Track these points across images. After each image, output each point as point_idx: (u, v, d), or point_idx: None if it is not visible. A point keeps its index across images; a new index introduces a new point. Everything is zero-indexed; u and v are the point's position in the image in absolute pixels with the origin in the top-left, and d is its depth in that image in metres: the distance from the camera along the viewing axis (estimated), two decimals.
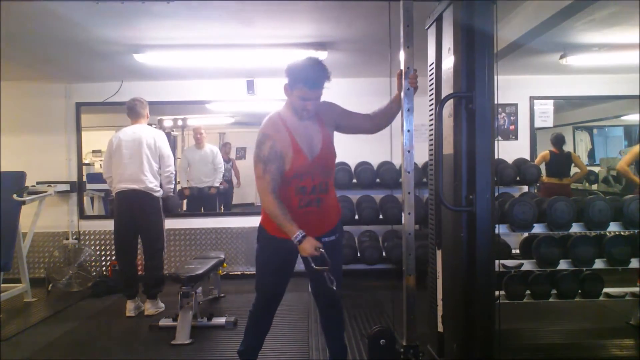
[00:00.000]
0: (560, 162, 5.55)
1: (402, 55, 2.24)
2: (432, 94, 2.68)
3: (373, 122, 2.46)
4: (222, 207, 6.70)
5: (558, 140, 5.62)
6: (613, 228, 3.19)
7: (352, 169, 5.13)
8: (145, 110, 4.12)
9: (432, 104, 2.69)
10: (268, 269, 2.46)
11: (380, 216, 4.80)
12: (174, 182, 4.23)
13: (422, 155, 3.51)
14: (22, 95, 5.27)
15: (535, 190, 5.39)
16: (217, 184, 6.18)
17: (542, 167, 5.55)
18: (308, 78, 2.19)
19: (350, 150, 4.86)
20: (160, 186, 4.07)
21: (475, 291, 2.21)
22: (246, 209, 7.29)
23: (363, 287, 4.77)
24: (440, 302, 2.57)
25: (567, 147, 5.77)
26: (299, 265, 2.42)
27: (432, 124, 2.67)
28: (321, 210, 2.35)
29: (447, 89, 2.37)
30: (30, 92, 5.28)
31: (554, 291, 3.38)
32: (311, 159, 2.28)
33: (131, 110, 4.08)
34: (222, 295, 4.55)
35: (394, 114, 2.40)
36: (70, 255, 4.88)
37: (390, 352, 2.28)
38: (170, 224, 4.64)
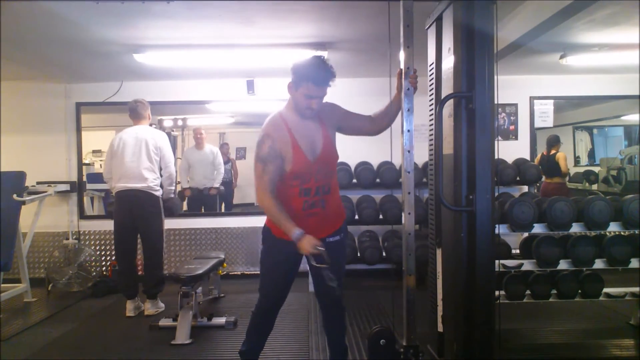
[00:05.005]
0: (545, 163, 5.86)
1: (402, 55, 2.24)
2: (432, 94, 2.68)
3: (375, 123, 2.45)
4: (222, 207, 6.70)
5: (547, 142, 5.99)
6: (613, 228, 3.19)
7: (352, 169, 5.13)
8: (146, 111, 4.14)
9: (432, 104, 2.69)
10: (274, 271, 2.45)
11: (380, 216, 4.80)
12: (174, 183, 4.23)
13: (422, 155, 3.52)
14: (22, 95, 5.27)
15: (535, 190, 5.42)
16: (217, 185, 6.18)
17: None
18: (315, 75, 2.19)
19: (351, 150, 4.86)
20: (161, 186, 4.07)
21: (475, 291, 2.21)
22: (246, 209, 7.29)
23: (363, 287, 4.77)
24: (440, 302, 2.57)
25: (564, 147, 6.03)
26: (300, 266, 2.42)
27: (432, 124, 2.67)
28: (326, 212, 2.35)
29: (447, 89, 2.37)
30: (30, 92, 5.28)
31: (554, 291, 3.38)
32: (312, 160, 2.27)
33: (133, 112, 4.10)
34: (222, 295, 4.55)
35: (395, 114, 2.39)
36: (70, 255, 4.88)
37: (390, 352, 2.28)
38: (170, 224, 4.64)
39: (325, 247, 2.27)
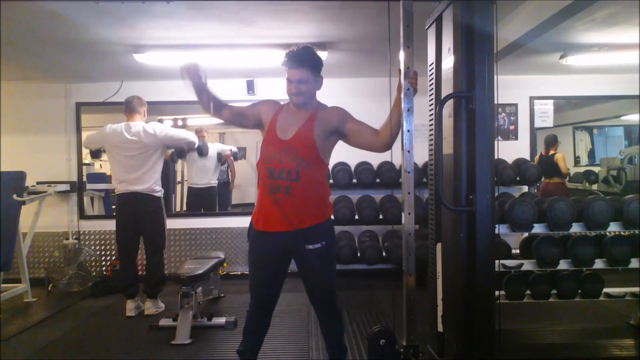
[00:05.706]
0: (543, 163, 5.86)
1: (402, 55, 2.24)
2: (432, 94, 2.68)
3: (379, 137, 2.33)
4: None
5: (545, 142, 6.01)
6: (613, 228, 3.19)
7: (352, 169, 5.12)
8: (142, 108, 4.11)
9: (432, 104, 2.69)
10: (258, 266, 2.42)
11: (380, 216, 4.80)
12: (196, 142, 4.24)
13: (422, 155, 3.52)
14: (22, 95, 5.27)
15: (535, 190, 5.43)
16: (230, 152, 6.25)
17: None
18: (287, 58, 2.30)
19: (350, 150, 4.83)
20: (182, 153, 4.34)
21: (475, 291, 2.21)
22: (246, 209, 7.28)
23: (363, 287, 4.78)
24: (440, 302, 2.57)
25: (563, 147, 6.04)
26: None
27: (432, 124, 2.67)
28: (291, 201, 2.26)
29: (447, 89, 2.37)
30: (30, 92, 5.28)
31: (554, 291, 3.37)
32: (278, 139, 2.32)
33: (128, 106, 4.06)
34: (222, 295, 4.55)
35: (396, 125, 2.26)
36: (70, 255, 4.88)
37: (390, 352, 2.28)
38: (170, 224, 4.64)
39: (303, 255, 2.32)
